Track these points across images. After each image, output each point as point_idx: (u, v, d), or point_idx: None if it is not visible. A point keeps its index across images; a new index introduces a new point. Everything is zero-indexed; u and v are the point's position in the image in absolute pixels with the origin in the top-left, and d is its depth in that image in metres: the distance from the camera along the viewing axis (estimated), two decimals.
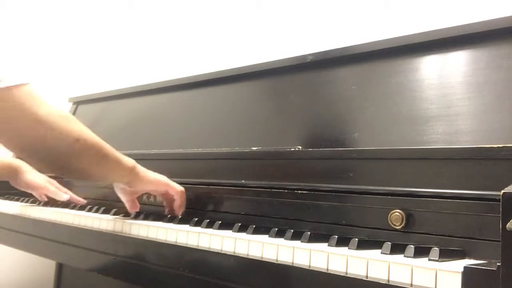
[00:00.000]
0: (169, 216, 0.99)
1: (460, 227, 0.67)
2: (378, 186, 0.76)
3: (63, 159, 0.87)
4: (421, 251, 0.61)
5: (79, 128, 0.87)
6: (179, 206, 1.03)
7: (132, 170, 0.97)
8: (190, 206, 1.04)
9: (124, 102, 1.56)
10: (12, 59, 0.87)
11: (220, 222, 0.86)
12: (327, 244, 0.69)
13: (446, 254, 0.61)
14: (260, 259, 0.71)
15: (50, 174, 1.31)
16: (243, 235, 0.78)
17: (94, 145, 0.89)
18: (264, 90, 1.15)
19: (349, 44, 1.00)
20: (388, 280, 0.57)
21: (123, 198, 1.06)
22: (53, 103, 0.85)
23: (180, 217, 0.97)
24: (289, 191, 0.88)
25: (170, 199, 1.04)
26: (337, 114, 0.97)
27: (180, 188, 1.04)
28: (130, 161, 0.97)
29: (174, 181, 1.05)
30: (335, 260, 0.63)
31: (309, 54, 1.04)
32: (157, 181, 1.02)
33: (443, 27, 0.86)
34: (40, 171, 1.26)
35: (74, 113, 1.74)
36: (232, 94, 1.20)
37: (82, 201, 1.28)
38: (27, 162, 0.93)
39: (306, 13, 1.54)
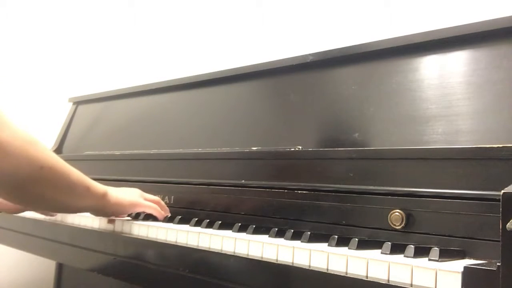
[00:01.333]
0: (169, 216, 0.99)
1: (460, 227, 0.67)
2: (378, 186, 0.76)
3: (25, 187, 0.80)
4: (421, 251, 0.61)
5: (44, 155, 0.80)
6: (158, 214, 1.00)
7: (102, 197, 0.92)
8: (191, 206, 1.04)
9: (124, 102, 1.55)
10: None
11: (220, 222, 0.86)
12: (327, 244, 0.69)
13: (446, 254, 0.61)
14: (260, 259, 0.71)
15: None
16: (243, 235, 0.78)
17: (61, 172, 0.83)
18: (264, 90, 1.15)
19: (349, 44, 1.00)
20: (388, 280, 0.57)
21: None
22: (17, 124, 0.78)
23: (180, 217, 0.97)
24: (289, 191, 0.88)
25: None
26: (337, 114, 0.97)
27: (155, 206, 1.00)
28: (101, 188, 0.92)
29: (174, 181, 1.05)
30: (335, 260, 0.63)
31: (309, 54, 1.04)
32: (132, 204, 0.98)
33: (443, 27, 0.86)
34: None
35: (74, 113, 1.74)
36: (232, 94, 1.20)
37: None
38: None
39: (306, 13, 1.54)
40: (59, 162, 0.83)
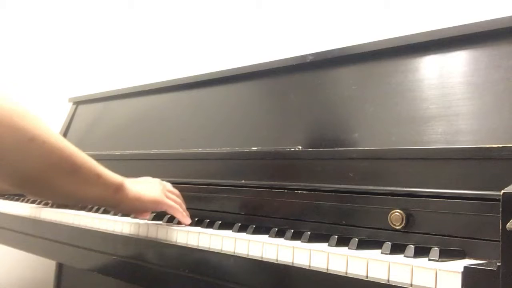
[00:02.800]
0: (168, 216, 0.99)
1: (460, 227, 0.67)
2: (378, 186, 0.76)
3: (16, 165, 0.69)
4: (421, 251, 0.61)
5: (37, 127, 0.69)
6: (182, 216, 0.93)
7: (117, 189, 0.82)
8: (191, 206, 1.04)
9: (124, 102, 1.55)
10: None
11: (220, 222, 0.86)
12: (327, 244, 0.69)
13: (446, 254, 0.61)
14: (260, 259, 0.71)
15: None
16: (243, 235, 0.78)
17: (58, 150, 0.72)
18: (264, 90, 1.15)
19: (349, 44, 1.00)
20: (388, 280, 0.57)
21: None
22: (7, 93, 0.70)
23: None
24: (289, 191, 0.88)
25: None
26: (337, 114, 0.97)
27: (176, 205, 0.93)
28: (116, 178, 0.82)
29: (174, 181, 1.04)
30: (335, 260, 0.63)
31: (309, 54, 1.04)
32: (153, 201, 0.89)
33: (443, 27, 0.86)
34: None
35: (74, 113, 1.74)
36: (232, 94, 1.20)
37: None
38: None
39: (306, 13, 1.54)
40: (59, 139, 0.73)
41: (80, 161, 0.75)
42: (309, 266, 0.65)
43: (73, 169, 0.74)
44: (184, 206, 0.97)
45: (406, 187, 0.73)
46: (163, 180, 1.00)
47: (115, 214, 1.07)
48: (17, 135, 0.67)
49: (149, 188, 0.90)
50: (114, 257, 0.94)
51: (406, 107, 0.86)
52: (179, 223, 0.94)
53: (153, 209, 0.93)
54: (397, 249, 0.64)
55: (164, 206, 0.91)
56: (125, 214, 0.93)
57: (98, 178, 0.79)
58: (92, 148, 1.51)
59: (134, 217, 1.02)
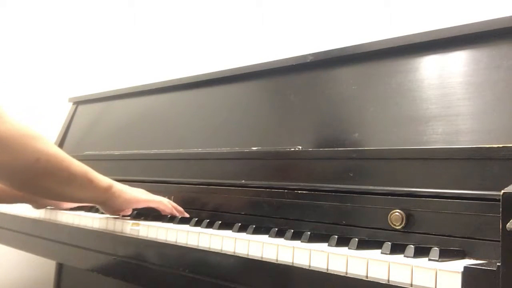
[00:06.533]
0: (169, 216, 0.99)
1: (460, 227, 0.67)
2: (378, 186, 0.76)
3: (25, 179, 0.85)
4: (421, 251, 0.61)
5: (42, 148, 0.84)
6: (169, 210, 1.02)
7: (107, 190, 0.95)
8: (190, 206, 1.04)
9: (124, 102, 1.55)
10: None
11: (220, 222, 0.86)
12: (327, 244, 0.69)
13: (446, 254, 0.61)
14: (260, 259, 0.71)
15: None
16: (243, 235, 0.78)
17: (59, 164, 0.86)
18: (264, 90, 1.15)
19: (349, 44, 1.00)
20: (388, 280, 0.57)
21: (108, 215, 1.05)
22: (16, 118, 0.82)
23: (180, 217, 0.97)
24: (289, 191, 0.88)
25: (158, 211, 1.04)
26: (337, 114, 0.97)
27: (160, 199, 1.03)
28: (105, 181, 0.95)
29: (174, 181, 1.04)
30: (335, 260, 0.63)
31: (309, 54, 1.04)
32: (135, 199, 1.00)
33: (443, 27, 0.86)
34: (7, 190, 1.16)
35: (74, 113, 1.74)
36: (232, 94, 1.20)
37: None
38: None
39: (306, 13, 1.54)
40: (58, 154, 0.87)
41: (75, 171, 0.89)
42: (309, 266, 0.65)
43: (70, 178, 0.89)
44: (172, 204, 1.04)
45: (406, 187, 0.73)
46: (163, 180, 1.01)
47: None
48: (26, 157, 0.82)
49: (134, 189, 1.02)
50: (114, 257, 0.94)
51: (406, 107, 0.86)
52: (179, 222, 0.94)
53: (137, 206, 1.02)
54: (397, 249, 0.64)
55: (146, 203, 1.01)
56: (111, 209, 1.00)
57: (90, 183, 0.92)
58: (92, 148, 1.51)
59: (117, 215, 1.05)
